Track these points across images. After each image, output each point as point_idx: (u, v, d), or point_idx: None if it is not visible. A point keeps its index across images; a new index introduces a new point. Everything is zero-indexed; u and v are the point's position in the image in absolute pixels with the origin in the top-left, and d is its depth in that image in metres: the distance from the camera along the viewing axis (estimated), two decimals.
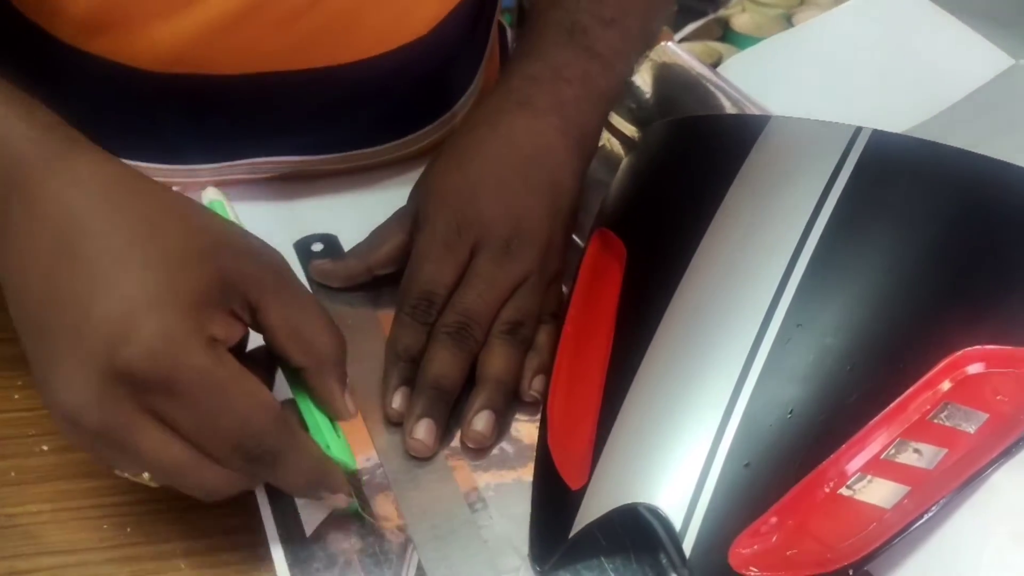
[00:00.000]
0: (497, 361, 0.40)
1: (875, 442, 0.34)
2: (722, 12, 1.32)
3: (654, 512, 0.33)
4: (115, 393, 0.29)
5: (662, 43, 0.65)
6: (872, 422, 0.34)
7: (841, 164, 0.38)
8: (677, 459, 0.34)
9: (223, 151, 0.49)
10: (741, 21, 1.30)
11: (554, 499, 0.36)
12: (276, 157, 0.50)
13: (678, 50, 0.64)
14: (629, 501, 0.33)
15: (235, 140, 0.48)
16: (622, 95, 0.50)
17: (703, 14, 1.31)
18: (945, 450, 0.34)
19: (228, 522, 0.37)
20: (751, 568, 0.32)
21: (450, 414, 0.39)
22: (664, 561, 0.34)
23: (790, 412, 0.34)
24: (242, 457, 0.31)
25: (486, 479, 0.38)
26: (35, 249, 0.31)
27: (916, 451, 0.34)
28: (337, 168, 0.52)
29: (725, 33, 1.29)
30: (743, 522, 0.33)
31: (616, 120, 0.56)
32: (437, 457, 0.39)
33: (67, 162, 0.31)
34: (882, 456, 0.34)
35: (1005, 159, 0.38)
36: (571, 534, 0.34)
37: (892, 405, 0.34)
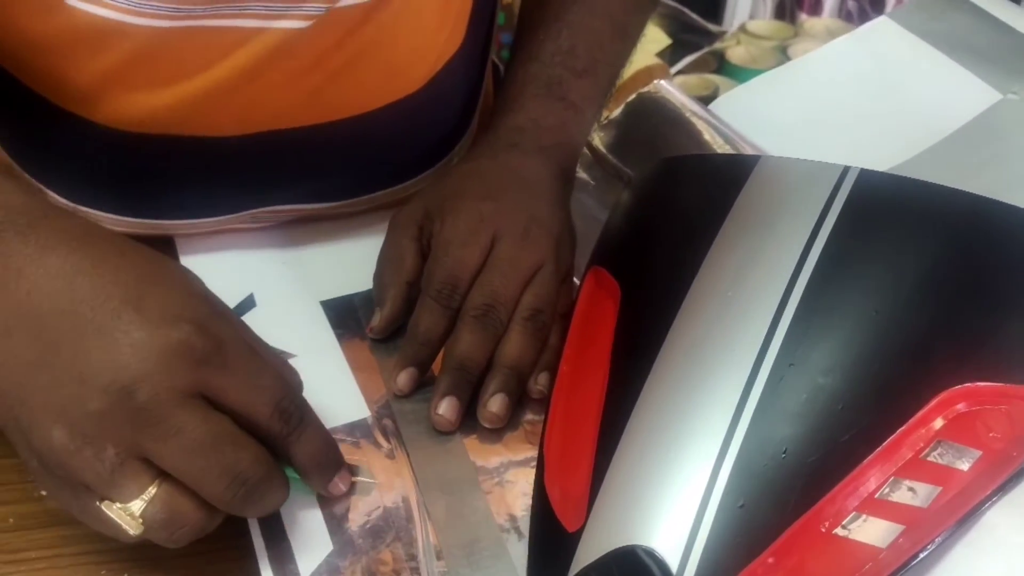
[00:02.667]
0: (514, 349, 0.42)
1: (869, 481, 0.34)
2: (718, 45, 1.34)
3: (651, 554, 0.33)
4: (170, 365, 0.32)
5: (655, 80, 0.66)
6: (866, 461, 0.34)
7: (829, 204, 0.38)
8: (673, 500, 0.34)
9: (225, 205, 0.49)
10: (736, 54, 1.32)
11: (551, 541, 0.36)
12: (278, 207, 0.51)
13: (672, 88, 0.65)
14: (626, 543, 0.33)
15: (237, 195, 0.49)
16: (592, 132, 0.56)
17: (699, 47, 1.33)
18: (939, 488, 0.34)
19: (224, 567, 0.37)
20: None
21: (472, 393, 0.42)
22: None
23: (784, 452, 0.34)
24: (280, 417, 0.34)
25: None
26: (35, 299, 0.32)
27: (910, 489, 0.34)
28: (339, 213, 0.52)
29: (721, 65, 1.31)
30: (740, 563, 0.33)
31: (599, 148, 0.58)
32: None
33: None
34: (876, 495, 0.34)
35: (993, 194, 0.38)
36: None
37: (885, 444, 0.34)
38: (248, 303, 0.48)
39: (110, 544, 0.37)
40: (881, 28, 0.65)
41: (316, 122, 0.47)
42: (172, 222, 0.49)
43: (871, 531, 0.33)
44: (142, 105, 0.44)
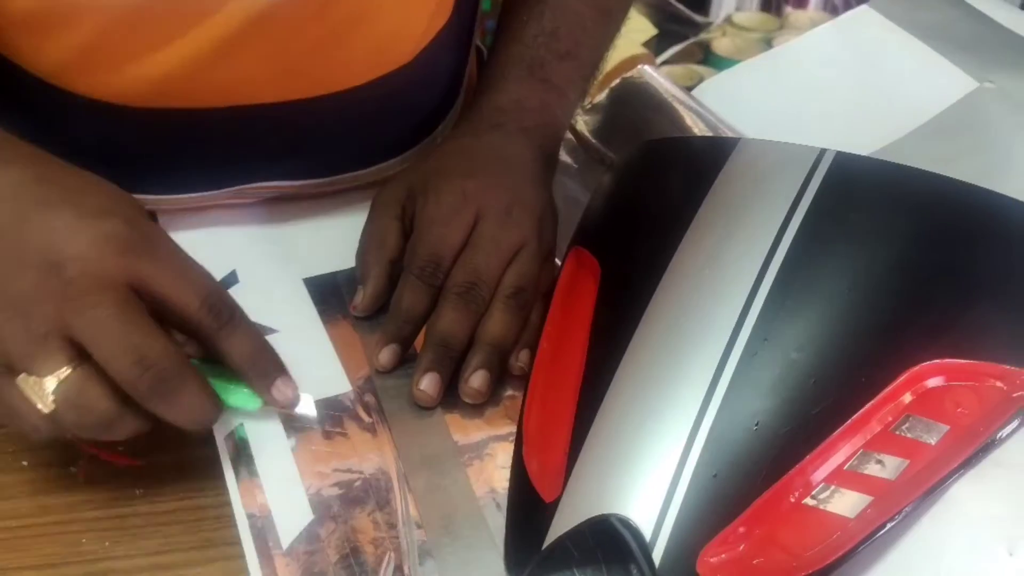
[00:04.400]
0: (496, 327, 0.43)
1: (839, 453, 0.35)
2: (703, 36, 1.34)
3: (625, 523, 0.34)
4: (100, 249, 0.34)
5: (639, 66, 0.67)
6: (836, 433, 0.35)
7: (806, 185, 0.39)
8: (647, 471, 0.35)
9: (209, 180, 0.49)
10: (722, 45, 1.32)
11: (528, 511, 0.37)
12: (262, 183, 0.51)
13: (654, 73, 0.65)
14: (601, 512, 0.34)
15: (221, 169, 0.49)
16: (575, 113, 0.56)
17: (684, 38, 1.33)
18: (907, 461, 0.35)
19: (205, 536, 0.37)
20: None
21: (454, 369, 0.42)
22: (635, 571, 0.35)
23: (756, 424, 0.35)
24: (209, 311, 0.36)
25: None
26: None
27: (879, 462, 0.35)
28: (323, 191, 0.53)
29: (706, 56, 1.31)
30: (711, 531, 0.33)
31: (582, 131, 0.59)
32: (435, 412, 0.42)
33: None
34: (846, 467, 0.35)
35: (968, 179, 0.39)
36: (544, 545, 0.35)
37: (855, 417, 0.35)
38: (231, 279, 0.48)
39: (91, 513, 0.38)
40: (862, 17, 0.66)
41: (300, 97, 0.47)
42: (155, 197, 0.49)
43: (840, 502, 0.34)
44: (122, 76, 0.44)
